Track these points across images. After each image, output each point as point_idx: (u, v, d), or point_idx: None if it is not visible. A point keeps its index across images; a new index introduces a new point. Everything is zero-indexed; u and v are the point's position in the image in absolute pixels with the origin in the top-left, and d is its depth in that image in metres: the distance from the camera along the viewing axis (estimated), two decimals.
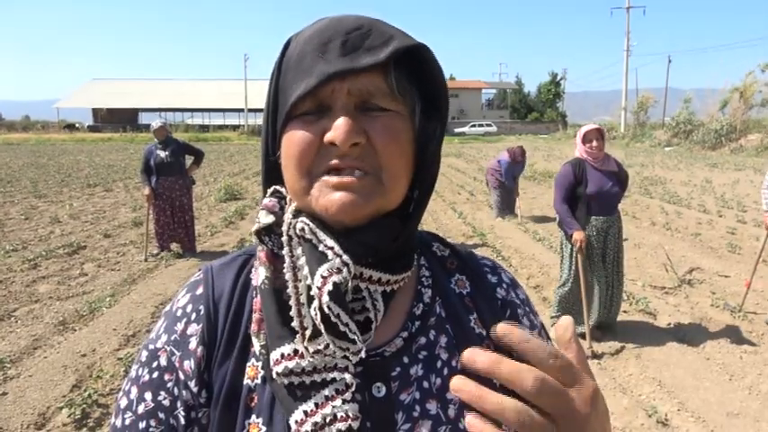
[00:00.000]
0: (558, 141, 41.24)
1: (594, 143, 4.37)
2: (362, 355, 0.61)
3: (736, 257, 7.32)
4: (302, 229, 0.62)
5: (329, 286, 0.59)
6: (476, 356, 0.44)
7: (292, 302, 0.62)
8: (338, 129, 0.59)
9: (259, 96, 56.68)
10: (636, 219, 10.08)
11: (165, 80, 74.67)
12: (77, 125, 60.31)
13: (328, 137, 0.60)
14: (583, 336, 4.43)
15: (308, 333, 0.60)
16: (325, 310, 0.58)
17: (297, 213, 0.65)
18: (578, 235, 4.24)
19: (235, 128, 57.09)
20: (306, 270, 0.61)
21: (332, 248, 0.61)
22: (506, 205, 10.01)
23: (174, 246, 7.40)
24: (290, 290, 0.63)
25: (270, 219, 0.66)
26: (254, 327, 0.64)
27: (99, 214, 10.67)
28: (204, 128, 56.87)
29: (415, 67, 0.66)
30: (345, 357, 0.61)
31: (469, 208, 11.29)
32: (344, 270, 0.60)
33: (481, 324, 0.72)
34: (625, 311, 5.21)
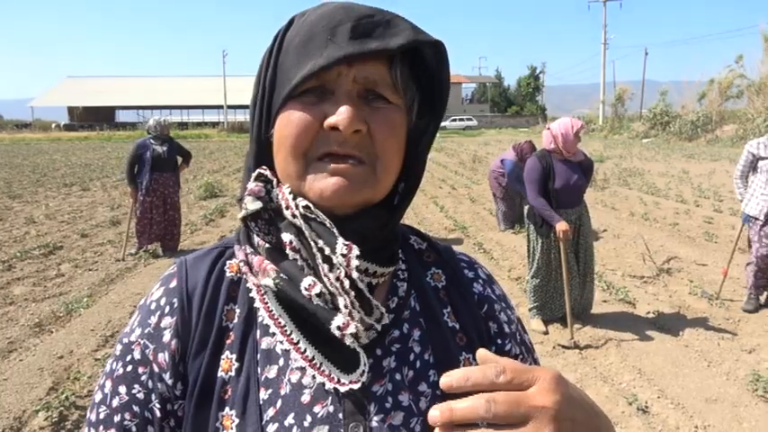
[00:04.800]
0: (539, 135, 41.52)
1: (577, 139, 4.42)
2: (386, 320, 0.65)
3: (713, 246, 7.44)
4: (306, 207, 0.62)
5: (356, 251, 0.60)
6: (434, 415, 0.47)
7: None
8: (342, 114, 0.59)
9: (238, 93, 56.34)
10: (615, 210, 10.20)
11: (143, 77, 73.87)
12: (55, 124, 59.05)
13: (330, 121, 0.60)
14: (565, 324, 4.48)
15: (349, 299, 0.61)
16: (354, 274, 0.60)
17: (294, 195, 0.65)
18: (562, 225, 4.25)
19: (214, 125, 56.65)
20: (321, 242, 0.61)
21: (332, 228, 0.62)
22: (513, 215, 8.36)
23: (151, 245, 7.28)
24: (300, 260, 0.64)
25: (257, 204, 0.64)
26: (260, 273, 0.65)
27: (76, 214, 10.48)
28: (183, 125, 56.29)
29: (416, 63, 0.67)
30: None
31: (451, 201, 11.33)
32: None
33: (455, 317, 0.73)
34: (605, 301, 5.27)
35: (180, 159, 7.51)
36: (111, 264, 6.85)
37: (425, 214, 9.89)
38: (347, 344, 0.61)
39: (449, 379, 0.48)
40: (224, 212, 10.25)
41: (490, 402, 0.46)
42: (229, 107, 55.79)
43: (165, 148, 7.08)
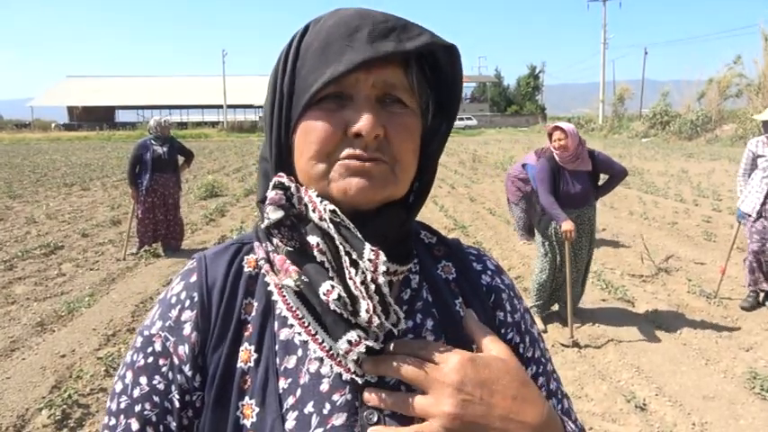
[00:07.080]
0: (538, 134, 41.53)
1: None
2: (403, 325, 0.66)
3: (712, 245, 7.47)
4: (333, 211, 0.64)
5: (383, 257, 0.63)
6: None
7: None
8: (365, 122, 0.62)
9: (238, 92, 56.29)
10: (614, 209, 10.22)
11: (142, 77, 73.71)
12: (56, 124, 58.89)
13: (354, 129, 0.62)
14: (564, 322, 4.50)
15: (372, 305, 0.62)
16: (380, 279, 0.62)
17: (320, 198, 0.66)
18: (567, 225, 4.23)
19: (214, 124, 56.52)
20: (348, 247, 0.63)
21: (356, 232, 0.64)
22: (530, 222, 7.37)
23: (154, 245, 7.30)
24: (327, 263, 0.64)
25: (279, 214, 0.66)
26: (280, 274, 0.66)
27: (76, 214, 10.50)
28: (182, 125, 56.09)
29: (431, 67, 0.70)
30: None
31: (450, 201, 11.35)
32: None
33: (466, 308, 0.75)
34: (604, 300, 5.29)
35: (181, 159, 7.52)
36: (112, 263, 6.87)
37: (425, 213, 9.91)
38: (356, 362, 0.63)
39: (392, 345, 0.63)
40: (224, 212, 10.26)
41: (406, 361, 0.61)
42: (229, 107, 55.71)
43: (165, 149, 7.09)
